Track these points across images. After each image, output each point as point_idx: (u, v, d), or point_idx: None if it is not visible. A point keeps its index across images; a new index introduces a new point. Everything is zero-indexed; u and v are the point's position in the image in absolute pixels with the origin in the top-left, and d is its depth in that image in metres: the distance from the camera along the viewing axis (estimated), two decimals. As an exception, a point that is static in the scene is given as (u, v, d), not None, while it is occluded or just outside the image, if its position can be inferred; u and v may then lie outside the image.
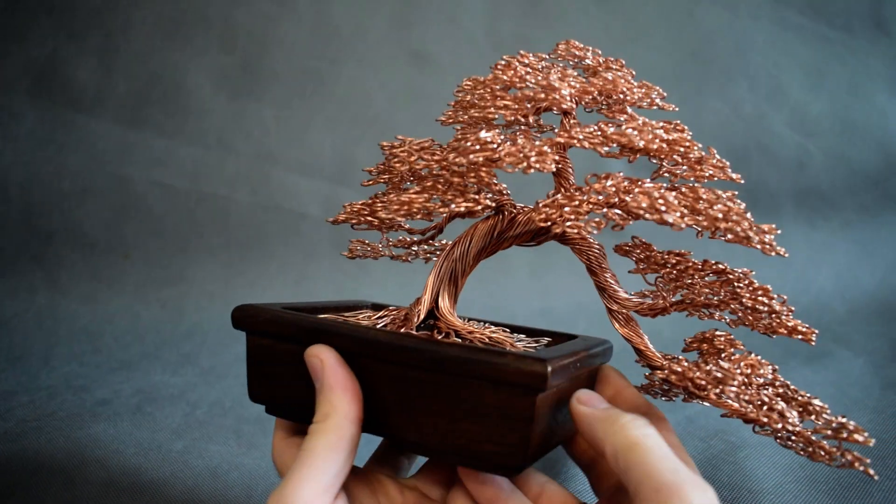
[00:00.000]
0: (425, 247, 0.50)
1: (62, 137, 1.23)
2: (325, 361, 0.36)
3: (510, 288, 1.21)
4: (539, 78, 0.38)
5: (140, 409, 0.78)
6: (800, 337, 0.37)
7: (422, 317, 0.41)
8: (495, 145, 0.34)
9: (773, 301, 0.37)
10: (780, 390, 0.38)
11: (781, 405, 0.35)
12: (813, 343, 0.37)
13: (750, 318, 0.38)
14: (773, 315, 0.37)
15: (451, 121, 0.44)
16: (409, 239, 0.49)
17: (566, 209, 0.35)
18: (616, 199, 0.35)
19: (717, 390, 0.35)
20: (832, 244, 1.27)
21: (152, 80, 1.26)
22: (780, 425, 0.35)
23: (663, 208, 0.33)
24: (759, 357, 0.37)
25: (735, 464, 0.62)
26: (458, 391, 0.34)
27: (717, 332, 0.41)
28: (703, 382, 0.35)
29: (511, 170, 0.34)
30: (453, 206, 0.36)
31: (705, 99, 1.30)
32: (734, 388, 0.35)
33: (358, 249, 0.49)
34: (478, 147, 0.34)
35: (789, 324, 0.37)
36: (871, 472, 0.35)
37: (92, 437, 0.69)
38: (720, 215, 0.33)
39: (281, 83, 1.26)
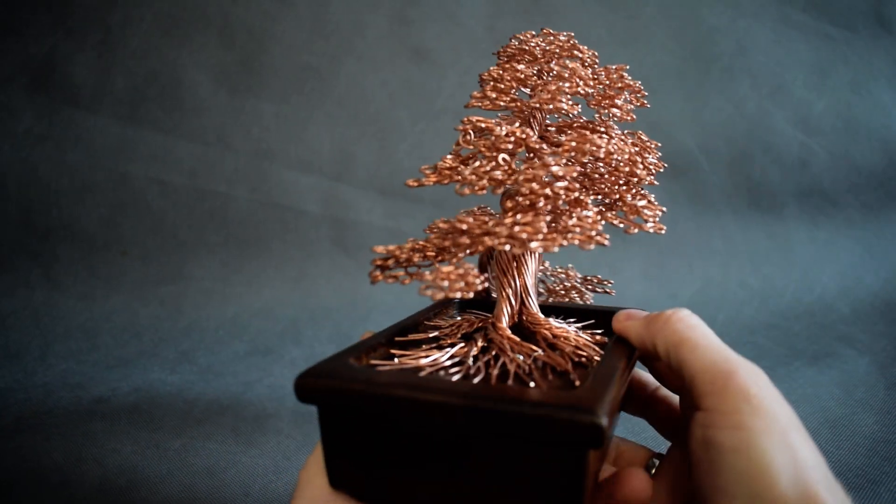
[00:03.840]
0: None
1: (60, 134, 1.22)
2: None
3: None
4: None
5: (137, 406, 0.77)
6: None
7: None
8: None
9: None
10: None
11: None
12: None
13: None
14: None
15: (485, 104, 0.44)
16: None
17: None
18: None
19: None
20: (836, 243, 1.26)
21: (151, 77, 1.25)
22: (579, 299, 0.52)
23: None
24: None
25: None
26: None
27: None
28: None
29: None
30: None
31: (708, 97, 1.29)
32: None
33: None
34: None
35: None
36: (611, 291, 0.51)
37: (89, 435, 0.69)
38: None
39: (280, 80, 1.26)
